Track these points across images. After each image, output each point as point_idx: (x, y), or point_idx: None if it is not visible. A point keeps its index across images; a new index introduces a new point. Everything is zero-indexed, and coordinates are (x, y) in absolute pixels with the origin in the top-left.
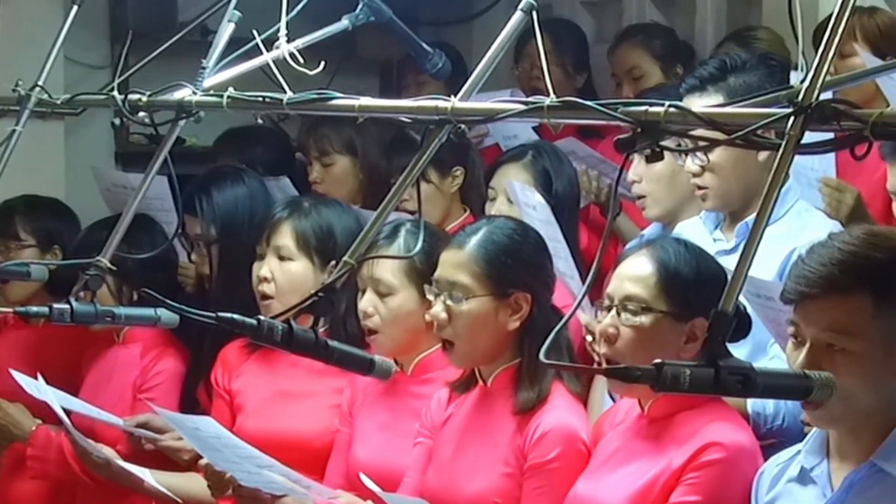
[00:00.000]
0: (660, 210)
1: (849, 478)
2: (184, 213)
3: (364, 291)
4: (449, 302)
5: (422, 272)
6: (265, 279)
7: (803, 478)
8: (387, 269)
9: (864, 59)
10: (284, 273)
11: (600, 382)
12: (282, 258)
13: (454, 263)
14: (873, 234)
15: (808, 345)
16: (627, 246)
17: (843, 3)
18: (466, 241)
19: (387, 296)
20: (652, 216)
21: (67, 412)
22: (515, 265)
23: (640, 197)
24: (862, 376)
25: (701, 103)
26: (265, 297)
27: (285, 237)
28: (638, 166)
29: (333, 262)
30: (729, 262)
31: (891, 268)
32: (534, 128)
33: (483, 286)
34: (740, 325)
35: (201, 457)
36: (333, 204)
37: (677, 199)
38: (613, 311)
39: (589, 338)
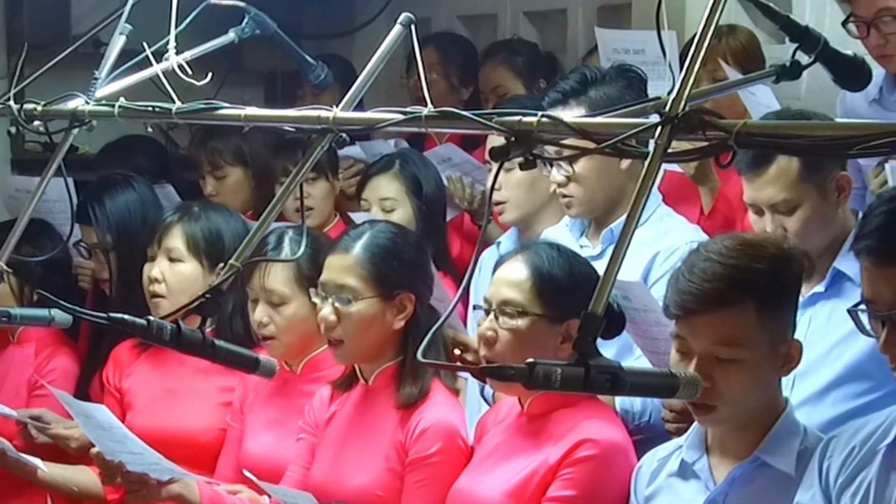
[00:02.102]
0: (517, 214)
1: (733, 471)
2: (80, 223)
3: (256, 302)
4: (337, 304)
5: (310, 278)
6: (156, 280)
7: (684, 472)
8: (278, 280)
9: (729, 76)
10: (175, 274)
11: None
12: (172, 260)
13: (341, 267)
14: (748, 245)
15: (696, 358)
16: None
17: (707, 20)
18: (352, 246)
19: (280, 305)
20: (508, 220)
21: None
22: (400, 267)
23: (499, 203)
24: (751, 381)
25: (566, 116)
26: (155, 296)
27: (176, 240)
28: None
29: (221, 265)
30: (596, 268)
31: (770, 277)
32: (415, 136)
33: (370, 288)
34: (615, 323)
35: (91, 446)
36: (221, 209)
37: (535, 205)
38: (491, 315)
39: (457, 351)
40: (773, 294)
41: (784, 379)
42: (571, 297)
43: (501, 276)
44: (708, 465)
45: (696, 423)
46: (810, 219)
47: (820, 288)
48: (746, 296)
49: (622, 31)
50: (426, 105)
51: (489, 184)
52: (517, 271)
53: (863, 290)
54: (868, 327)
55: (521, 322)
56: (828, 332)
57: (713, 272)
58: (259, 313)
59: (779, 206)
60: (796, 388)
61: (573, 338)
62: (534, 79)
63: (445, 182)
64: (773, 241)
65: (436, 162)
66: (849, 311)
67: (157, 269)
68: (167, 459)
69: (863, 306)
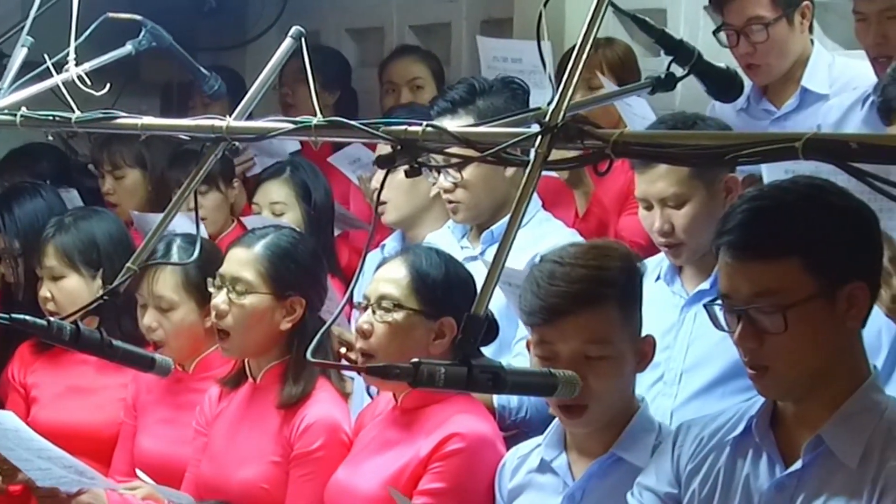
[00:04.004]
0: (398, 215)
1: (590, 468)
2: None
3: (145, 307)
4: (231, 295)
5: (197, 284)
6: (46, 298)
7: (543, 469)
8: (167, 287)
9: (605, 85)
10: (60, 291)
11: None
12: (54, 278)
13: (241, 261)
14: (598, 248)
15: (565, 360)
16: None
17: (585, 34)
18: (255, 243)
19: (168, 311)
20: (389, 221)
21: None
22: (296, 270)
23: (381, 204)
24: (617, 377)
25: (453, 125)
26: (51, 314)
27: (51, 258)
28: (380, 177)
29: (102, 270)
30: (475, 268)
31: (626, 276)
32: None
33: (265, 284)
34: (488, 332)
35: None
36: (93, 214)
37: (415, 207)
38: (369, 310)
39: (343, 349)
40: (629, 291)
41: (670, 375)
42: (446, 296)
43: (381, 273)
44: (567, 462)
45: (555, 421)
46: (698, 215)
47: (705, 285)
48: (610, 294)
49: (501, 40)
50: (294, 114)
51: (375, 187)
52: (396, 269)
53: (720, 285)
54: (723, 322)
55: (397, 316)
56: (713, 328)
57: (577, 274)
58: (148, 318)
59: (668, 201)
60: (684, 382)
61: (446, 335)
62: (442, 83)
63: (356, 182)
64: (616, 244)
65: (347, 162)
66: (704, 305)
67: (44, 288)
68: (75, 459)
69: (719, 301)
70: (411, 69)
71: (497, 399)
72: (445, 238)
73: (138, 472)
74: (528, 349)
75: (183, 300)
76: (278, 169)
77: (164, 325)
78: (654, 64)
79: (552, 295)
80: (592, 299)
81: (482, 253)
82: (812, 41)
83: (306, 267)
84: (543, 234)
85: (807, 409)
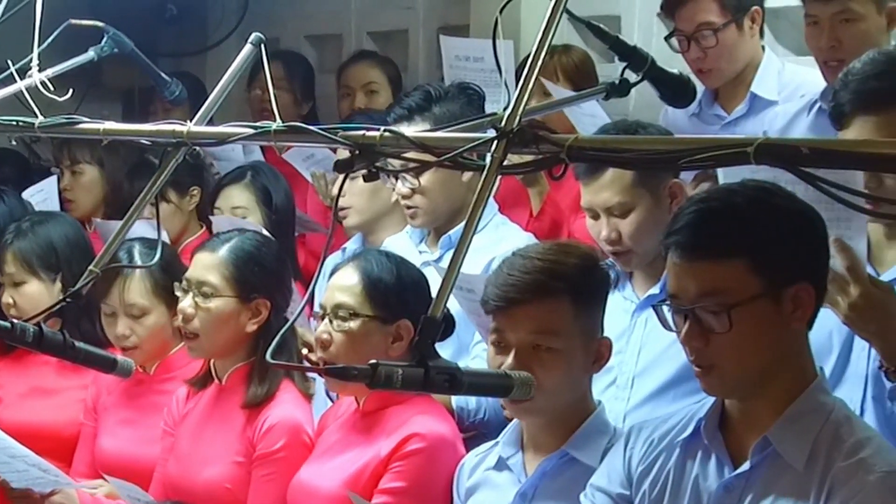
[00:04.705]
0: (360, 220)
1: (542, 465)
2: None
3: (113, 315)
4: (197, 298)
5: (165, 286)
6: (9, 305)
7: (500, 466)
8: (138, 293)
9: (553, 92)
10: (22, 296)
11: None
12: (15, 284)
13: (206, 265)
14: (562, 245)
15: (514, 350)
16: (329, 261)
17: (540, 41)
18: (219, 247)
19: (141, 317)
20: (351, 225)
21: None
22: (260, 273)
23: (343, 208)
24: (565, 371)
25: (410, 131)
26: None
27: (10, 265)
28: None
29: (61, 273)
30: (434, 272)
31: (584, 272)
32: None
33: (230, 288)
34: (445, 327)
35: None
36: (51, 218)
37: (377, 212)
38: (326, 320)
39: (305, 350)
40: (585, 289)
41: (623, 379)
42: (400, 299)
43: (335, 282)
44: (522, 460)
45: (514, 421)
46: (644, 222)
47: (655, 290)
48: (563, 287)
49: (464, 39)
50: (270, 118)
51: (334, 193)
52: (348, 277)
53: (667, 285)
54: (670, 321)
55: (353, 324)
56: (664, 332)
57: (533, 266)
58: (121, 327)
59: (613, 210)
60: (636, 386)
61: (403, 337)
62: (398, 88)
63: (309, 178)
64: (581, 245)
65: (301, 159)
66: (653, 306)
67: (6, 295)
68: (39, 457)
69: (667, 302)
70: (367, 74)
71: (456, 401)
72: (404, 243)
73: (104, 475)
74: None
75: (154, 305)
76: (239, 174)
77: (136, 332)
78: (608, 70)
79: (507, 284)
80: (543, 290)
81: (440, 258)
82: (763, 47)
83: (271, 270)
84: (500, 238)
85: (754, 411)
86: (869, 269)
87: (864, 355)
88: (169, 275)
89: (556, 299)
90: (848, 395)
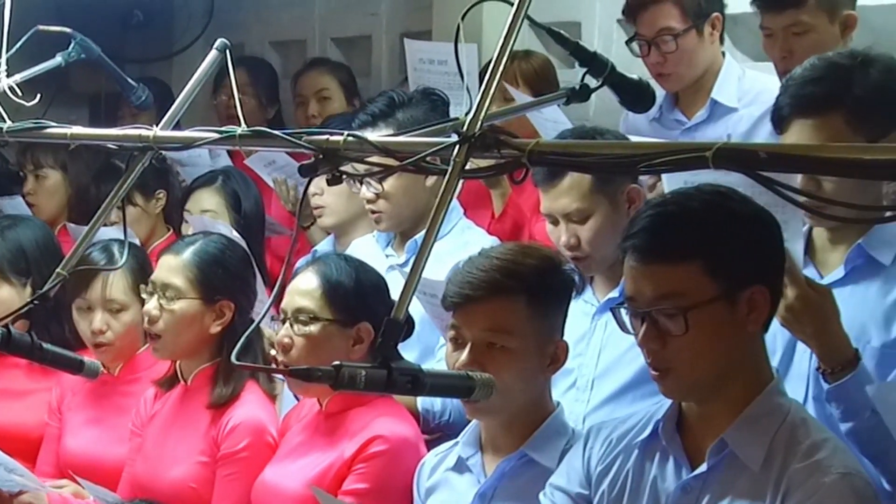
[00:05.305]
0: (334, 220)
1: (500, 466)
2: None
3: (89, 311)
4: (162, 301)
5: (140, 286)
6: None
7: (460, 467)
8: (119, 290)
9: (515, 97)
10: None
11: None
12: None
13: (170, 267)
14: (523, 246)
15: (469, 344)
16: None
17: (501, 47)
18: (184, 250)
19: (119, 312)
20: (326, 225)
21: None
22: (224, 276)
23: (318, 207)
24: (519, 371)
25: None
26: None
27: None
28: (321, 180)
29: (31, 277)
30: (400, 276)
31: (541, 273)
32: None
33: (194, 290)
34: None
35: None
36: (20, 222)
37: (352, 213)
38: (287, 324)
39: (273, 351)
40: (542, 291)
41: (582, 382)
42: (360, 302)
43: (295, 286)
44: (481, 460)
45: (473, 421)
46: (602, 227)
47: (615, 293)
48: (518, 287)
49: (428, 43)
50: (236, 123)
51: (300, 196)
52: (308, 281)
53: (625, 288)
54: (628, 324)
55: (313, 328)
56: (623, 335)
57: (490, 264)
58: (98, 322)
59: (572, 216)
60: (596, 388)
61: (364, 340)
62: (352, 94)
63: (271, 184)
64: (546, 249)
65: (262, 164)
66: (611, 308)
67: None
68: (15, 462)
69: (625, 304)
70: (318, 81)
71: (421, 403)
72: (370, 246)
73: (73, 475)
74: None
75: (131, 302)
76: (211, 177)
77: (112, 327)
78: (569, 75)
79: (465, 281)
80: (498, 288)
81: (406, 262)
82: (724, 54)
83: (235, 272)
84: (465, 242)
85: (711, 412)
86: (813, 272)
87: (806, 356)
88: (145, 275)
89: (511, 298)
90: (791, 395)
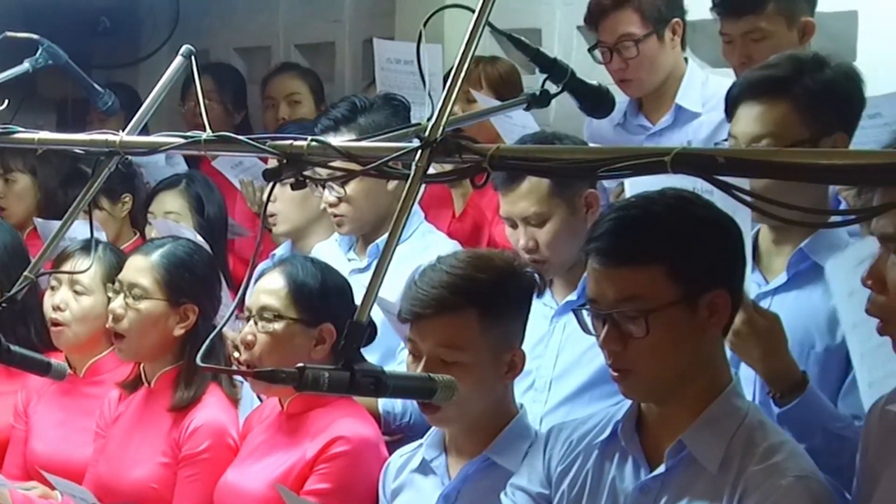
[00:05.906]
0: (289, 226)
1: (464, 469)
2: None
3: (55, 289)
4: (128, 300)
5: (110, 282)
6: None
7: (424, 469)
8: (87, 274)
9: (482, 103)
10: None
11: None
12: None
13: (138, 268)
14: (477, 257)
15: (424, 359)
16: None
17: (463, 54)
18: (152, 251)
19: (81, 294)
20: (281, 232)
21: None
22: (190, 279)
23: (272, 215)
24: (474, 384)
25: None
26: None
27: None
28: (278, 187)
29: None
30: (362, 280)
31: (493, 286)
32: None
33: (160, 291)
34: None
35: None
36: None
37: (305, 219)
38: (252, 321)
39: (236, 353)
40: (496, 303)
41: (541, 383)
42: (324, 304)
43: (261, 285)
44: (445, 462)
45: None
46: (560, 231)
47: (573, 297)
48: (468, 303)
49: (395, 42)
50: (203, 129)
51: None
52: (274, 281)
53: (587, 290)
54: (590, 326)
55: (277, 326)
56: (581, 337)
57: (439, 280)
58: (58, 298)
59: (531, 219)
60: (553, 389)
61: (326, 341)
62: (320, 99)
63: (238, 185)
64: (503, 256)
65: (229, 166)
66: (573, 310)
67: None
68: None
69: (587, 306)
70: (289, 85)
71: (382, 404)
72: (333, 250)
73: (41, 472)
74: None
75: (96, 290)
76: (175, 180)
77: (71, 307)
78: (530, 81)
79: (415, 297)
80: (448, 306)
81: (368, 266)
82: (686, 59)
83: (201, 277)
84: (427, 246)
85: (670, 414)
86: (759, 277)
87: None
88: (115, 274)
89: (461, 314)
90: None
